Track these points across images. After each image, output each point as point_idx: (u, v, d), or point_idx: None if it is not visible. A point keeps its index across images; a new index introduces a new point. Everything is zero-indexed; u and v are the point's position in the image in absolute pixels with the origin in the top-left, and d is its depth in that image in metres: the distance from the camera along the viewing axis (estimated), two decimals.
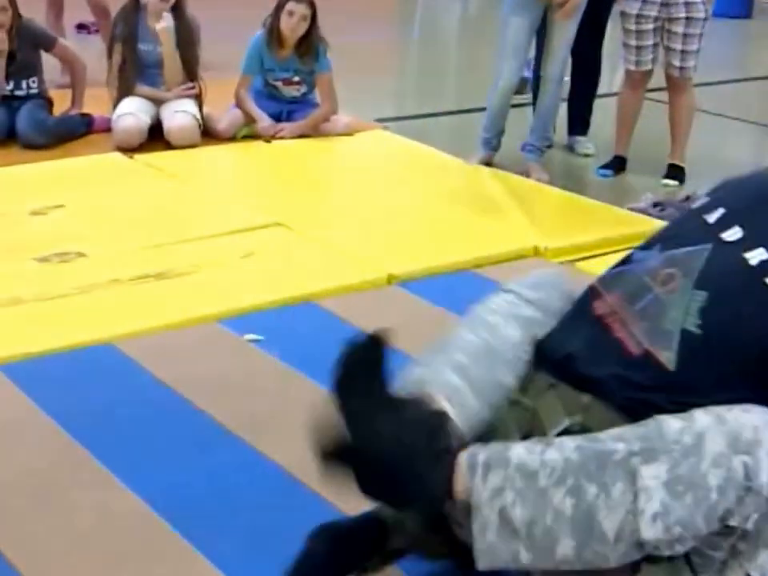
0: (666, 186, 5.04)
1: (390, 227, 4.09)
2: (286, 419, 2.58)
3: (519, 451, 1.73)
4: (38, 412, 2.61)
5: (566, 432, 1.82)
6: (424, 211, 4.32)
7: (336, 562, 1.91)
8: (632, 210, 4.52)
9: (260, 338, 3.04)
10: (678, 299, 1.86)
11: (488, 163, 5.09)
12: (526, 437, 1.83)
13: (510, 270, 3.73)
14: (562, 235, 4.11)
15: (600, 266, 3.82)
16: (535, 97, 5.26)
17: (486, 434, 1.85)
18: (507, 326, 1.94)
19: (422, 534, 1.91)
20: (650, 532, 1.62)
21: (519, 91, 5.49)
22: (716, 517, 1.62)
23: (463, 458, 1.75)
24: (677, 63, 4.95)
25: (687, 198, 4.60)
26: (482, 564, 1.73)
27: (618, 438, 1.69)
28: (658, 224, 4.31)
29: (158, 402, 2.70)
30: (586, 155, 5.52)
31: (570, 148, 5.62)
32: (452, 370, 1.88)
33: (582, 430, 1.80)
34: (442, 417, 1.80)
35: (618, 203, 4.60)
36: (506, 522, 1.69)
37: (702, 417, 1.67)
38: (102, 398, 2.70)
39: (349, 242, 3.87)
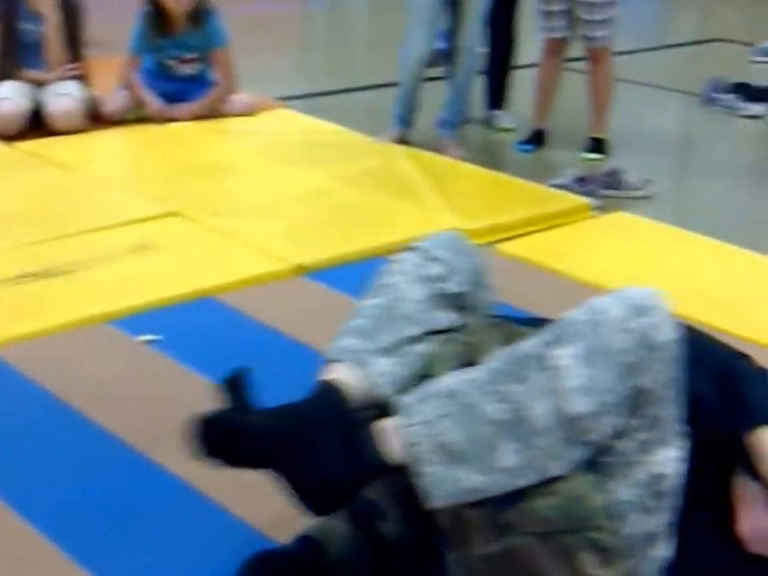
0: (589, 159, 5.05)
1: (297, 213, 4.02)
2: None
3: (445, 380, 1.83)
4: None
5: None
6: (333, 195, 4.25)
7: None
8: (554, 186, 4.51)
9: (156, 338, 2.95)
10: None
11: (402, 141, 5.05)
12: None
13: None
14: (480, 216, 4.08)
15: (521, 248, 3.88)
16: (450, 70, 5.23)
17: (422, 375, 1.92)
18: (408, 285, 2.01)
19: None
20: (578, 405, 1.73)
21: (433, 64, 5.45)
22: (630, 378, 1.74)
23: (384, 422, 1.81)
24: (587, 33, 4.98)
25: (610, 173, 4.61)
26: (436, 501, 1.78)
27: (531, 338, 1.83)
28: (581, 201, 4.33)
29: (44, 413, 2.60)
30: (505, 130, 5.50)
31: (488, 123, 5.61)
32: (350, 335, 1.96)
33: None
34: (336, 405, 1.84)
35: (539, 179, 4.59)
36: (446, 449, 1.76)
37: (600, 298, 1.83)
38: None
39: (252, 231, 3.79)
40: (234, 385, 1.84)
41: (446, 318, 2.02)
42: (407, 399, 1.82)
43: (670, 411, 1.81)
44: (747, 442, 1.89)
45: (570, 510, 1.76)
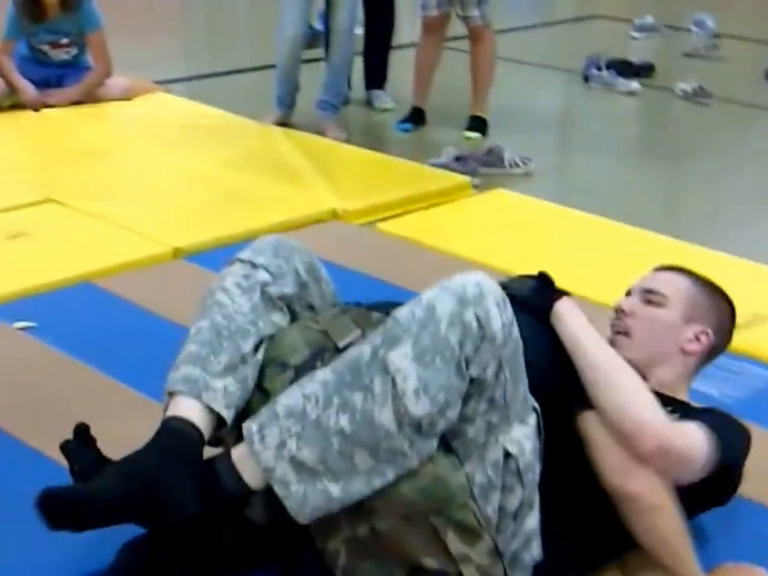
0: (468, 138, 5.12)
1: (176, 197, 4.04)
2: (64, 412, 2.52)
3: (282, 401, 1.86)
4: None
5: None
6: (213, 178, 4.27)
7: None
8: (434, 165, 4.58)
9: (32, 324, 2.95)
10: None
11: (284, 123, 5.07)
12: (316, 354, 1.96)
13: (309, 235, 3.74)
14: (361, 196, 4.15)
15: (402, 226, 3.94)
16: (328, 52, 5.27)
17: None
18: (235, 299, 2.04)
19: None
20: (418, 408, 1.79)
21: (312, 45, 5.49)
22: (463, 369, 1.80)
23: (236, 451, 1.87)
24: (462, 12, 5.05)
25: (490, 151, 4.70)
26: (301, 517, 1.83)
27: (364, 343, 1.87)
28: (461, 179, 4.41)
29: None
30: (385, 110, 5.56)
31: (368, 103, 5.66)
32: (187, 362, 1.97)
33: None
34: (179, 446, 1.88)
35: (420, 159, 4.66)
36: (300, 467, 1.81)
37: (427, 292, 1.87)
38: None
39: (130, 216, 3.80)
40: (75, 446, 1.88)
41: (277, 320, 2.06)
42: (253, 426, 1.85)
43: (513, 391, 1.88)
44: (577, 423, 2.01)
45: (433, 492, 1.83)
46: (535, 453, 1.92)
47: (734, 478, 2.10)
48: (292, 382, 1.92)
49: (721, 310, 2.31)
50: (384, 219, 3.98)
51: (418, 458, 1.82)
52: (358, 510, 1.84)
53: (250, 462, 1.84)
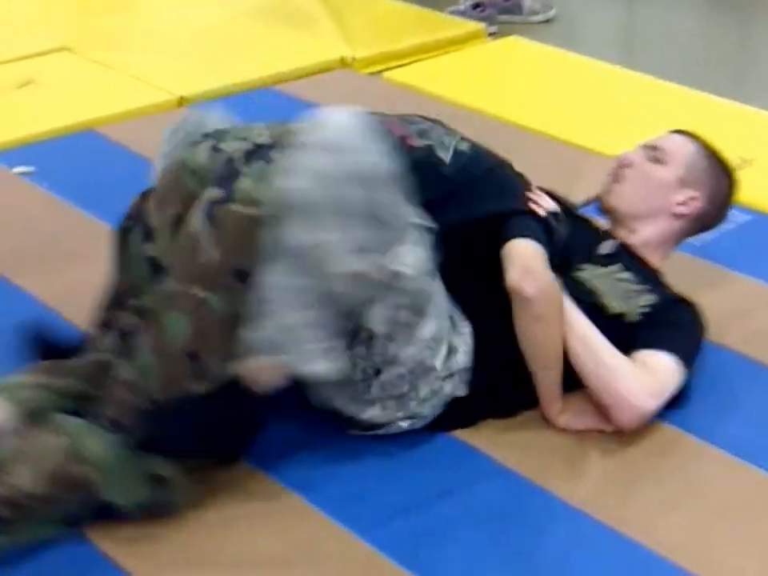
0: None
1: (187, 47, 4.12)
2: (51, 252, 2.69)
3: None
4: None
5: None
6: (225, 28, 4.34)
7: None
8: (452, 13, 4.60)
9: (30, 170, 3.10)
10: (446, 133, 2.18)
11: None
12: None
13: (315, 84, 3.83)
14: (372, 43, 4.18)
15: (409, 75, 3.99)
16: None
17: None
18: None
19: None
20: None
21: None
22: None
23: None
24: None
25: None
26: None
27: None
28: (476, 26, 4.42)
29: None
30: None
31: None
32: None
33: None
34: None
35: (439, 7, 4.66)
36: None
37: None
38: None
39: (140, 65, 3.90)
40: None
41: None
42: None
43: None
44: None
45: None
46: (421, 265, 1.99)
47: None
48: None
49: (720, 182, 2.39)
50: (394, 68, 4.02)
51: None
52: None
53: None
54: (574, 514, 1.95)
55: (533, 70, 4.04)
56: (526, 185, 2.22)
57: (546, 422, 2.15)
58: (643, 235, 2.35)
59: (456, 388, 2.08)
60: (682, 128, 2.48)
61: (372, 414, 2.04)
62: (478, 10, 4.59)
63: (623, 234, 2.36)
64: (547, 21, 4.67)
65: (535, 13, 4.67)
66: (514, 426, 2.16)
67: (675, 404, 2.17)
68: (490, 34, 4.39)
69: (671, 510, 1.97)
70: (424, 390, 2.04)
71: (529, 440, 2.13)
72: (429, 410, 2.07)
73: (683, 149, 2.38)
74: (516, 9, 4.65)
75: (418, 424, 2.08)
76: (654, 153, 2.37)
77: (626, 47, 4.66)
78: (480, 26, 4.40)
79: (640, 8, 5.04)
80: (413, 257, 1.96)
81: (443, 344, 2.04)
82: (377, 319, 1.96)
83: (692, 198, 2.35)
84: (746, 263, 2.72)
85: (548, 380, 2.11)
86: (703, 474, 2.07)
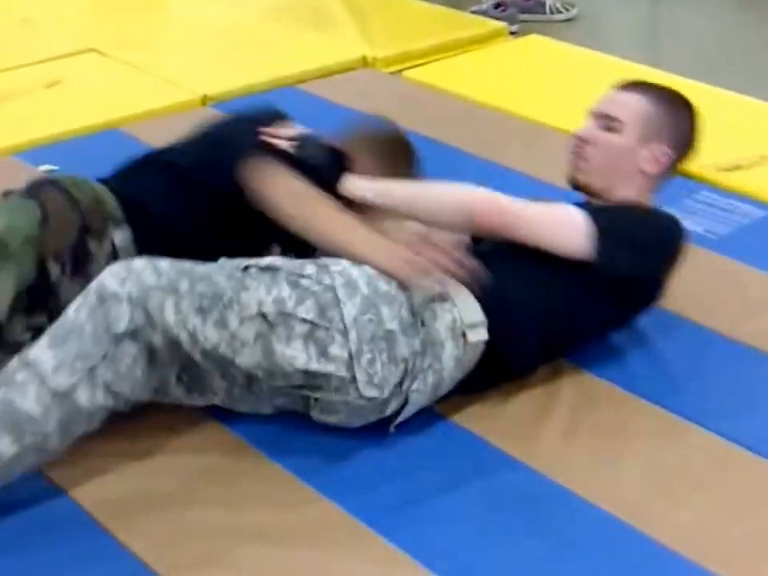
0: None
1: (209, 47, 4.18)
2: None
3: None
4: None
5: None
6: (247, 27, 4.40)
7: None
8: (474, 12, 4.63)
9: (55, 168, 3.15)
10: None
11: None
12: None
13: (337, 83, 3.88)
14: (394, 43, 4.22)
15: (430, 74, 4.02)
16: None
17: None
18: None
19: None
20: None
21: None
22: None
23: None
24: None
25: None
26: None
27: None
28: (497, 25, 4.45)
29: None
30: None
31: None
32: None
33: None
34: None
35: (462, 7, 4.70)
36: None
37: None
38: None
39: (165, 65, 3.97)
40: None
41: None
42: None
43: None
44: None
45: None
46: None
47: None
48: None
49: (680, 123, 2.38)
50: (416, 67, 4.06)
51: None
52: None
53: None
54: (582, 505, 1.98)
55: (554, 68, 4.06)
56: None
57: (556, 414, 2.19)
58: (624, 197, 2.34)
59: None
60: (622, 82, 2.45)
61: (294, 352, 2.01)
62: (500, 9, 4.62)
63: (602, 203, 2.34)
64: (569, 20, 4.70)
65: (557, 11, 4.69)
66: (524, 417, 2.20)
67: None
68: (512, 33, 4.42)
69: (681, 503, 1.99)
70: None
71: (538, 431, 2.16)
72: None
73: (634, 107, 2.35)
74: (538, 8, 4.68)
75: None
76: (607, 122, 2.35)
77: (649, 46, 4.68)
78: (501, 25, 4.43)
79: (663, 6, 5.06)
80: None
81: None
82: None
83: (658, 152, 2.34)
84: (761, 258, 2.74)
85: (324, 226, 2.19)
86: (716, 467, 2.09)
